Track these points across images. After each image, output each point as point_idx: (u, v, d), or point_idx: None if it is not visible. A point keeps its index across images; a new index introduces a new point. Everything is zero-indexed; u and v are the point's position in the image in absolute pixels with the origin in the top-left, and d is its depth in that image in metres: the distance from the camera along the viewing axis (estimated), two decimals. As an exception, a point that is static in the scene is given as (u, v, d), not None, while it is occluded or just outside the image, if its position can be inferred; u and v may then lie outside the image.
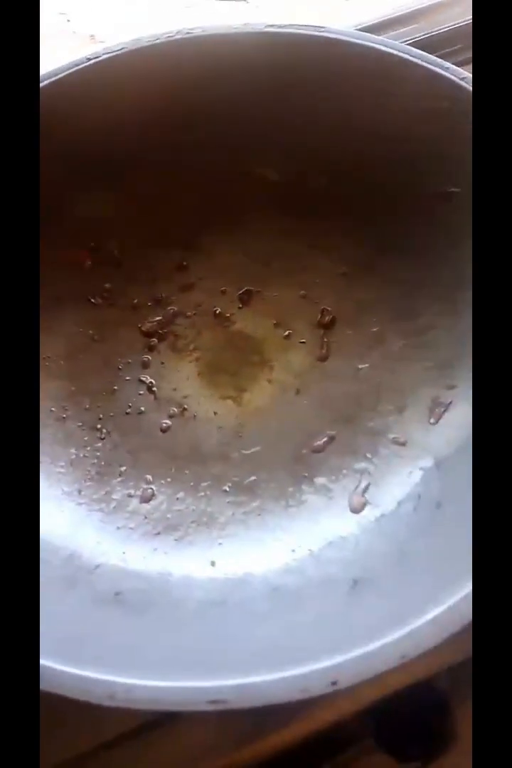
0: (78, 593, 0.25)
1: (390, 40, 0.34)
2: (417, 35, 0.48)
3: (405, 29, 0.49)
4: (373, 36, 0.35)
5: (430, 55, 0.33)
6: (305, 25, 0.34)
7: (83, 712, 0.24)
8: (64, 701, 0.19)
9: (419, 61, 0.33)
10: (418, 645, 0.19)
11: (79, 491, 0.30)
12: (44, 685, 0.20)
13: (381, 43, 0.34)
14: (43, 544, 0.26)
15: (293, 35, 0.34)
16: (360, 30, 0.47)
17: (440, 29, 0.48)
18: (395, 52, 0.33)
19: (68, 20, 1.23)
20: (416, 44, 0.46)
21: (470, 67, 0.45)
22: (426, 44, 0.46)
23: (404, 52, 0.34)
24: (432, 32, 0.48)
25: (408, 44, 0.45)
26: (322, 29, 0.34)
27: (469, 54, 0.46)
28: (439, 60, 0.33)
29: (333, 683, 0.19)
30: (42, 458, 0.30)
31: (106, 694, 0.19)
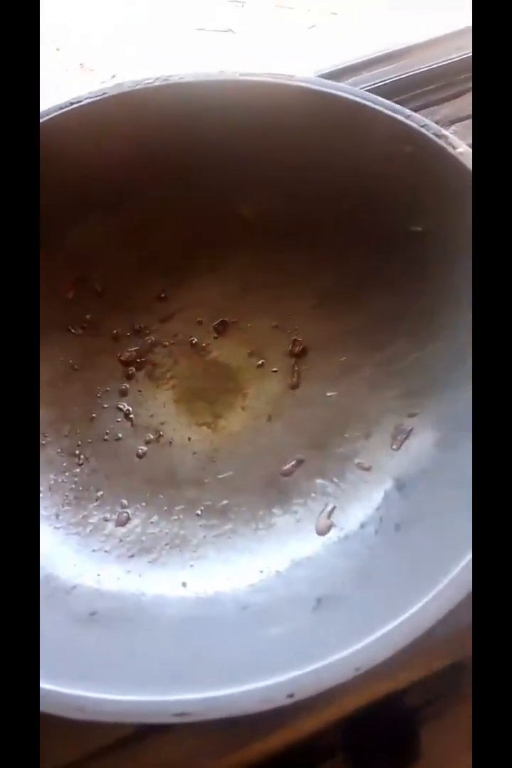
0: (54, 613, 0.26)
1: (357, 89, 0.36)
2: (393, 76, 0.50)
3: (380, 69, 0.51)
4: (341, 85, 0.37)
5: (393, 103, 0.35)
6: (276, 74, 0.37)
7: (69, 724, 0.25)
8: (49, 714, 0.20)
9: (383, 109, 0.35)
10: (371, 659, 0.21)
11: (57, 515, 0.31)
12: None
13: (348, 91, 0.36)
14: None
15: (265, 84, 0.36)
16: (340, 70, 0.50)
17: (413, 70, 0.50)
18: (362, 101, 0.36)
19: (58, 49, 1.27)
20: (386, 86, 0.49)
21: (437, 107, 0.48)
22: (402, 84, 0.49)
23: (370, 101, 0.36)
24: (406, 73, 0.50)
25: (379, 86, 0.48)
26: (293, 78, 0.37)
27: (442, 93, 0.49)
28: (401, 108, 0.35)
29: (290, 696, 0.21)
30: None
31: (76, 708, 0.20)
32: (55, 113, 0.36)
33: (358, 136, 0.36)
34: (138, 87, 0.36)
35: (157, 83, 0.36)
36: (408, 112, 0.35)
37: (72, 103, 0.37)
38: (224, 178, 0.38)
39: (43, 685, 0.21)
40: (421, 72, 0.50)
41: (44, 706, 0.21)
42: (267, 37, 1.28)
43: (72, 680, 0.21)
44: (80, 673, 0.22)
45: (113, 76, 1.28)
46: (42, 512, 0.31)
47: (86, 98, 0.36)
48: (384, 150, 0.35)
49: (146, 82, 0.36)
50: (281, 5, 1.36)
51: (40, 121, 0.36)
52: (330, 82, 0.37)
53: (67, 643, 0.25)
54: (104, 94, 0.36)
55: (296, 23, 1.33)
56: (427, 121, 0.34)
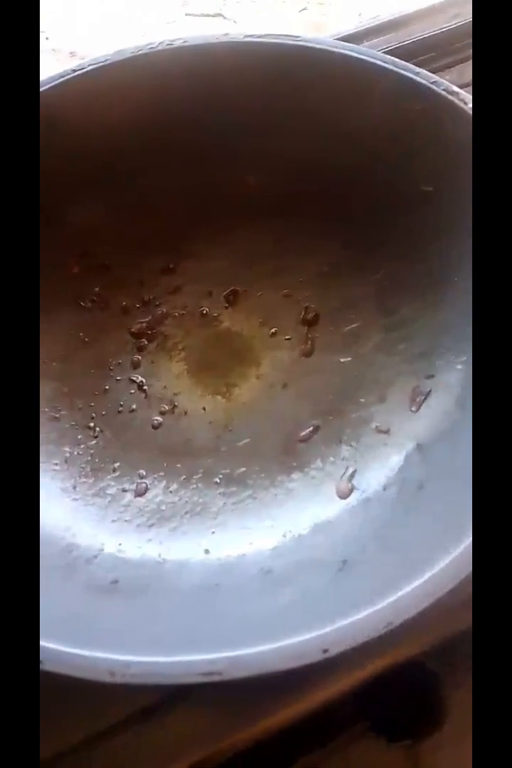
0: (76, 581, 0.26)
1: (364, 48, 0.36)
2: (391, 45, 0.49)
3: (378, 39, 0.51)
4: (347, 44, 0.36)
5: (402, 61, 0.35)
6: (282, 35, 0.36)
7: (76, 703, 0.25)
8: (58, 692, 0.20)
9: (392, 67, 0.34)
10: (401, 613, 0.21)
11: (75, 487, 0.31)
12: (47, 666, 0.20)
13: (355, 50, 0.35)
14: (42, 535, 0.27)
15: (271, 45, 0.35)
16: (338, 39, 0.49)
17: (411, 39, 0.49)
18: (369, 59, 0.35)
19: (47, 38, 1.25)
20: (390, 53, 0.48)
21: (444, 73, 0.47)
22: (400, 54, 0.48)
23: (378, 59, 0.35)
24: (404, 42, 0.49)
25: (388, 51, 0.47)
26: (298, 38, 0.36)
27: (443, 61, 0.48)
28: (411, 65, 0.35)
29: (325, 651, 0.20)
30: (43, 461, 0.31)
31: (106, 671, 0.20)
32: (57, 81, 0.35)
33: (367, 95, 0.35)
34: (140, 52, 0.36)
35: (160, 48, 0.35)
36: (416, 69, 0.34)
37: (74, 71, 0.36)
38: (228, 146, 0.38)
39: (69, 648, 0.21)
40: (420, 39, 0.49)
41: (72, 670, 0.21)
42: (258, 21, 1.27)
43: (98, 646, 0.21)
44: (106, 640, 0.22)
45: (72, 53, 1.26)
46: (59, 484, 0.31)
47: (88, 65, 0.35)
48: (393, 109, 0.35)
49: (149, 46, 0.35)
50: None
51: (41, 90, 0.35)
52: (337, 41, 0.36)
53: (89, 611, 0.25)
54: (106, 60, 0.36)
55: (286, 5, 1.31)
56: (437, 78, 0.34)
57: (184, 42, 0.36)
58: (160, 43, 0.36)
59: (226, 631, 0.22)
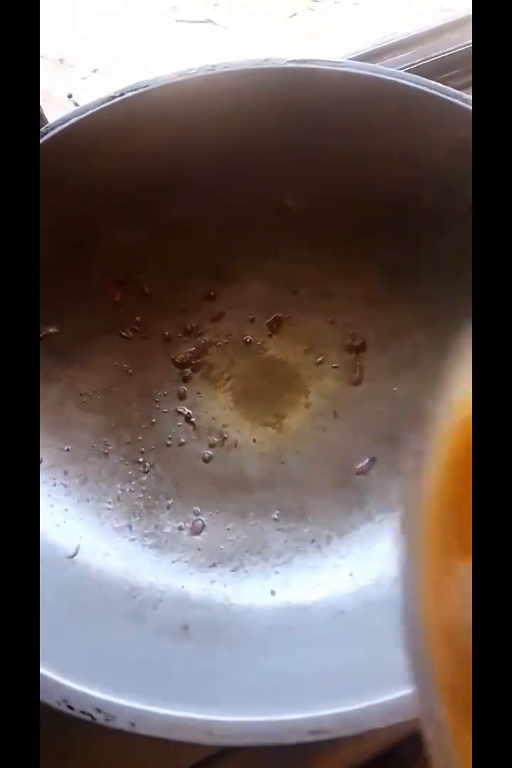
0: (146, 628, 0.25)
1: (403, 72, 0.35)
2: (416, 61, 0.49)
3: (401, 55, 0.51)
4: (389, 69, 0.36)
5: (446, 87, 0.35)
6: (323, 61, 0.35)
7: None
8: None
9: (436, 92, 0.34)
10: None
11: (130, 527, 0.30)
12: (140, 729, 0.20)
13: (397, 75, 0.35)
14: (105, 578, 0.26)
15: (313, 71, 0.35)
16: (354, 58, 0.49)
17: (437, 55, 0.49)
18: (411, 84, 0.35)
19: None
20: (414, 70, 0.48)
21: (469, 90, 0.47)
22: (425, 70, 0.48)
23: (420, 84, 0.35)
24: (428, 58, 0.49)
25: (406, 71, 0.47)
26: (339, 64, 0.36)
27: (466, 79, 0.48)
28: (452, 89, 0.34)
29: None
30: (89, 494, 0.30)
31: (203, 731, 0.19)
32: (97, 108, 0.34)
33: (407, 120, 0.35)
34: (180, 78, 0.35)
35: (200, 74, 0.35)
36: (459, 92, 0.34)
37: (112, 98, 0.35)
38: (267, 170, 0.37)
39: (163, 710, 0.20)
40: (444, 56, 0.49)
41: (166, 733, 0.20)
42: (248, 27, 1.27)
43: (188, 701, 0.20)
44: (191, 693, 0.21)
45: (95, 71, 1.25)
46: (113, 524, 0.30)
47: (128, 91, 0.35)
48: (436, 134, 0.35)
49: (190, 71, 0.35)
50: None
51: (77, 118, 0.34)
52: (378, 66, 0.36)
53: (167, 661, 0.24)
54: (147, 86, 0.35)
55: (276, 12, 1.31)
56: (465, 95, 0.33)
57: (225, 68, 0.35)
58: (199, 69, 0.35)
59: (318, 683, 0.22)
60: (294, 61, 0.35)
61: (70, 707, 0.20)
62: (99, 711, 0.20)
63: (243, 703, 0.21)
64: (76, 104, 1.20)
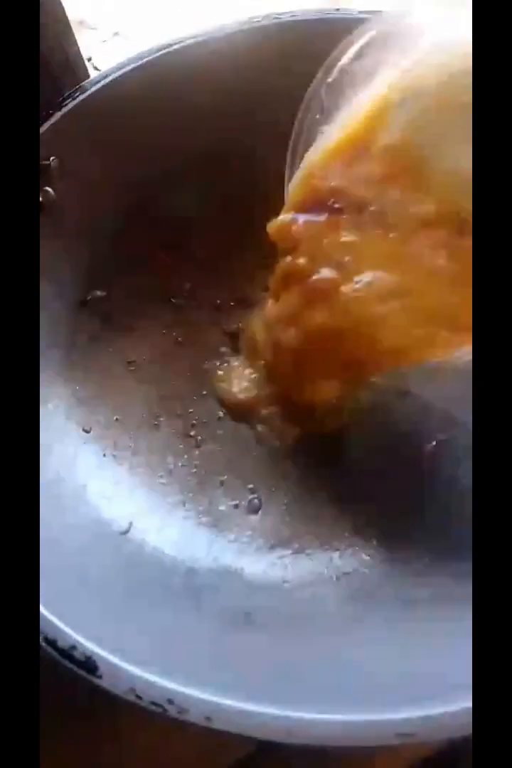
0: (208, 614, 0.24)
1: None
2: None
3: None
4: None
5: None
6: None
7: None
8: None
9: None
10: None
11: (183, 503, 0.28)
12: (217, 724, 0.18)
13: None
14: (161, 557, 0.25)
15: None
16: None
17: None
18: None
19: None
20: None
21: None
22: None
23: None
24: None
25: None
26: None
27: None
28: None
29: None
30: (140, 468, 0.29)
31: (284, 731, 0.18)
32: (146, 59, 0.32)
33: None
34: (242, 28, 0.32)
35: (264, 22, 0.32)
36: None
37: (161, 49, 0.33)
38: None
39: (242, 705, 0.19)
40: None
41: (246, 729, 0.18)
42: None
43: (263, 696, 0.19)
44: (264, 687, 0.20)
45: (116, 34, 1.22)
46: (168, 499, 0.28)
47: (174, 43, 0.32)
48: None
49: (255, 19, 0.32)
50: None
51: (133, 65, 0.32)
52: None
53: (231, 651, 0.22)
54: (196, 37, 0.32)
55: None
56: None
57: (293, 15, 0.33)
58: (264, 17, 0.33)
59: (399, 680, 0.20)
60: (364, 12, 0.33)
61: (139, 697, 0.19)
62: (171, 702, 0.19)
63: (320, 699, 0.19)
64: (96, 68, 1.16)
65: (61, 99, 0.31)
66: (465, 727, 0.18)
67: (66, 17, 0.33)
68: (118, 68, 0.31)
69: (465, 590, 0.23)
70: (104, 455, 0.29)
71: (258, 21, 0.33)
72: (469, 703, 0.18)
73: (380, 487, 0.28)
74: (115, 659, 0.20)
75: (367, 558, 0.27)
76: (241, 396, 0.30)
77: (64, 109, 0.30)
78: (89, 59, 1.29)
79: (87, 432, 0.29)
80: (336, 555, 0.27)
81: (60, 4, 0.32)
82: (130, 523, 0.27)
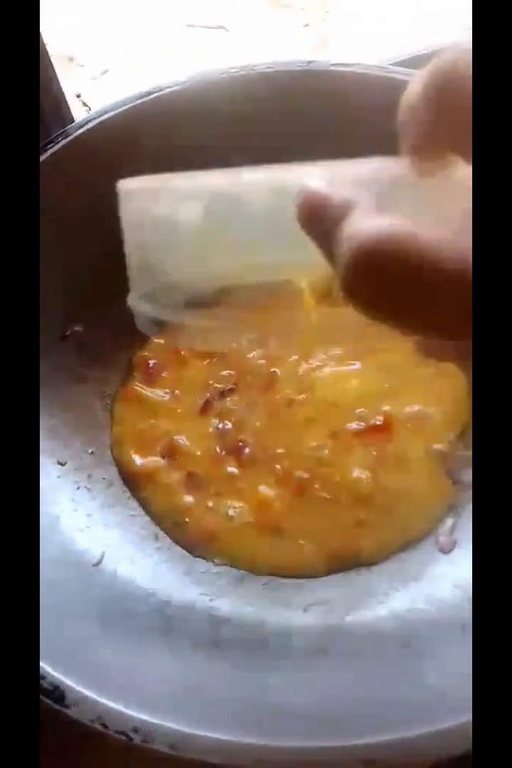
0: (178, 644, 0.24)
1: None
2: None
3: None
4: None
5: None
6: (368, 65, 0.35)
7: None
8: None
9: None
10: None
11: (156, 536, 0.29)
12: (182, 752, 0.19)
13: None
14: (133, 589, 0.25)
15: (358, 74, 0.34)
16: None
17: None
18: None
19: (46, 43, 1.24)
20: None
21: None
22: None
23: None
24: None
25: None
26: (386, 69, 0.35)
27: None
28: None
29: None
30: (113, 500, 0.29)
31: (249, 758, 0.18)
32: (124, 107, 0.33)
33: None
34: (224, 75, 0.34)
35: (242, 72, 0.34)
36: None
37: (140, 97, 0.34)
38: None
39: (204, 733, 0.19)
40: None
41: (212, 757, 0.19)
42: (260, 35, 1.27)
43: (231, 726, 0.19)
44: (236, 715, 0.20)
45: (104, 72, 1.25)
46: (139, 531, 0.29)
47: (154, 91, 0.34)
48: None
49: (234, 70, 0.34)
50: (275, 2, 1.35)
51: (107, 115, 0.33)
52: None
53: (200, 679, 0.23)
54: (171, 86, 0.34)
55: (289, 21, 1.32)
56: None
57: (268, 67, 0.34)
58: (241, 68, 0.34)
59: (364, 708, 0.21)
60: (337, 64, 0.35)
61: (105, 726, 0.19)
62: (136, 731, 0.19)
63: (287, 727, 0.20)
64: (85, 104, 1.20)
65: (45, 143, 0.32)
66: (431, 750, 0.18)
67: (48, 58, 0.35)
68: (99, 114, 0.33)
69: (427, 618, 0.24)
70: (78, 488, 0.29)
71: (235, 71, 0.35)
72: (429, 728, 0.19)
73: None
74: (82, 689, 0.20)
75: (335, 590, 0.27)
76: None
77: (48, 152, 0.31)
78: (78, 95, 1.32)
79: (62, 465, 0.30)
80: (304, 587, 0.27)
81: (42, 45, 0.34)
82: (103, 554, 0.27)
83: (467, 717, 0.19)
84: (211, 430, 0.31)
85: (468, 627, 0.23)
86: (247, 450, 0.31)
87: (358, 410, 0.31)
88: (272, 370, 0.33)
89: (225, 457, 0.30)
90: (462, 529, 0.28)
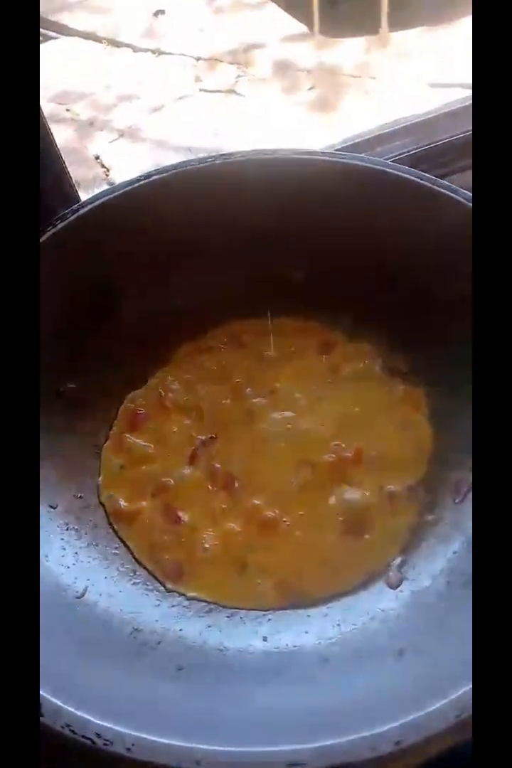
0: (145, 667, 0.27)
1: (406, 168, 0.39)
2: (408, 150, 0.52)
3: (395, 144, 0.54)
4: (404, 167, 0.39)
5: (434, 178, 0.38)
6: (324, 152, 0.40)
7: None
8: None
9: (424, 182, 0.37)
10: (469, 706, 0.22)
11: (134, 571, 0.32)
12: (135, 754, 0.22)
13: (408, 171, 0.38)
14: (110, 618, 0.29)
15: (314, 161, 0.39)
16: (348, 147, 0.52)
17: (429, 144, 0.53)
18: (406, 176, 0.38)
19: (67, 109, 1.33)
20: (415, 156, 0.51)
21: (456, 176, 0.50)
22: (428, 155, 0.52)
23: (414, 176, 0.38)
24: (419, 147, 0.53)
25: (401, 157, 0.50)
26: (343, 155, 0.40)
27: (454, 166, 0.51)
28: (439, 180, 0.37)
29: (397, 743, 0.22)
30: (98, 539, 0.33)
31: (191, 760, 0.21)
32: (121, 191, 0.38)
33: (404, 207, 0.38)
34: (203, 164, 0.39)
35: (218, 162, 0.39)
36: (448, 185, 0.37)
37: (133, 182, 0.39)
38: (276, 246, 0.40)
39: (157, 737, 0.22)
40: (437, 145, 0.53)
41: (160, 758, 0.21)
42: (268, 98, 1.35)
43: (180, 732, 0.22)
44: (185, 726, 0.23)
45: (121, 135, 1.34)
46: (119, 567, 0.32)
47: (154, 174, 0.39)
48: (422, 217, 0.38)
49: (211, 158, 0.39)
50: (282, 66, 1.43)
51: (104, 199, 0.38)
52: (381, 161, 0.39)
53: (163, 697, 0.26)
54: (177, 168, 0.39)
55: (295, 86, 1.40)
56: (458, 189, 0.36)
57: (242, 157, 0.39)
58: (217, 157, 0.39)
59: (300, 721, 0.23)
60: (298, 152, 0.39)
61: (73, 731, 0.22)
62: (98, 736, 0.22)
63: (230, 736, 0.23)
64: (103, 165, 1.28)
65: (45, 225, 0.37)
66: (342, 756, 0.21)
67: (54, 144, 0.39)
68: (94, 200, 0.37)
69: (372, 643, 0.27)
70: (67, 528, 0.33)
71: (211, 160, 0.40)
72: (356, 735, 0.22)
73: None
74: (56, 701, 0.23)
75: (293, 620, 0.30)
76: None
77: (47, 234, 0.36)
78: (97, 157, 1.40)
79: (53, 508, 0.34)
80: (265, 619, 0.30)
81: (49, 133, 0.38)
82: (85, 588, 0.30)
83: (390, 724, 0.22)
84: (199, 473, 0.35)
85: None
86: (236, 484, 0.34)
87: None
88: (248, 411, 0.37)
89: (215, 493, 0.34)
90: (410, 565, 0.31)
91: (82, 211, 0.37)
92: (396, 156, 0.51)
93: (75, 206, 0.38)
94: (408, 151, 0.52)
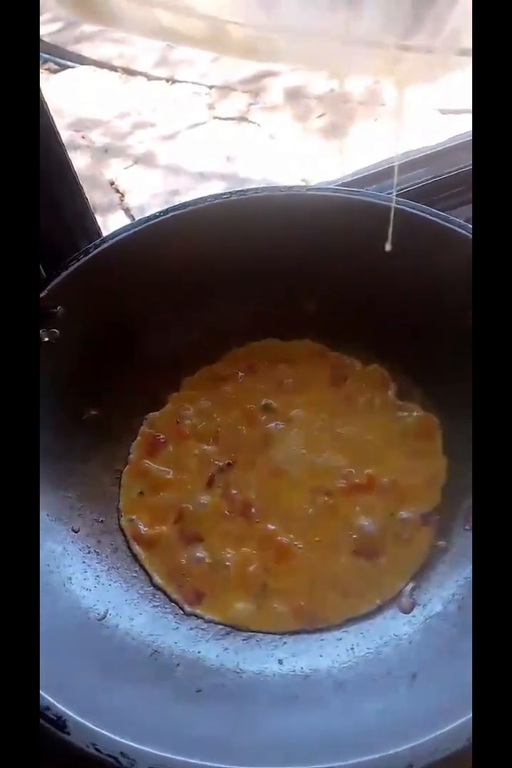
0: (166, 689, 0.28)
1: (417, 204, 0.40)
2: (417, 182, 0.54)
3: (403, 177, 0.55)
4: (408, 201, 0.40)
5: (439, 212, 0.39)
6: (337, 188, 0.41)
7: None
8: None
9: (432, 218, 0.39)
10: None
11: (154, 594, 0.33)
12: (158, 771, 0.22)
13: (409, 205, 0.39)
14: (131, 641, 0.30)
15: (326, 197, 0.40)
16: (358, 179, 0.53)
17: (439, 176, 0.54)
18: (417, 213, 0.39)
19: (83, 136, 1.36)
20: (415, 190, 0.52)
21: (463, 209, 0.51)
22: (437, 186, 0.53)
23: (425, 213, 0.40)
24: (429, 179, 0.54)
25: (402, 191, 0.51)
26: (355, 191, 0.41)
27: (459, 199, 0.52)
28: (448, 216, 0.39)
29: (409, 766, 0.22)
30: (119, 562, 0.34)
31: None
32: (137, 229, 0.40)
33: (407, 240, 0.39)
34: (218, 201, 0.40)
35: (233, 198, 0.40)
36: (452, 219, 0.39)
37: (148, 220, 0.40)
38: (289, 279, 0.42)
39: (176, 756, 0.23)
40: (444, 178, 0.54)
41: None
42: (280, 126, 1.38)
43: (200, 753, 0.23)
44: (205, 747, 0.24)
45: (136, 162, 1.38)
46: (139, 590, 0.33)
47: (171, 210, 0.40)
48: (434, 252, 0.39)
49: (225, 195, 0.40)
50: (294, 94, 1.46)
51: (121, 236, 0.40)
52: (386, 195, 0.41)
53: (183, 719, 0.27)
54: (203, 202, 0.40)
55: (306, 111, 1.43)
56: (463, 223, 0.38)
57: (256, 192, 0.41)
58: (233, 193, 0.41)
59: (316, 744, 0.24)
60: (312, 188, 0.41)
61: (98, 750, 0.23)
62: (123, 755, 0.23)
63: (246, 757, 0.24)
64: (118, 191, 1.31)
65: (68, 259, 0.38)
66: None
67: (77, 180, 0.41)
68: (114, 235, 0.39)
69: (385, 667, 0.27)
70: (89, 552, 0.34)
71: (227, 196, 0.41)
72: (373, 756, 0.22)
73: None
74: (81, 720, 0.24)
75: (309, 644, 0.31)
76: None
77: (70, 269, 0.38)
78: (112, 183, 1.43)
79: (75, 532, 0.35)
80: (281, 642, 0.31)
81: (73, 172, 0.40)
82: (107, 611, 0.32)
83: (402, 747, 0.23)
84: (216, 498, 0.36)
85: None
86: (253, 510, 0.35)
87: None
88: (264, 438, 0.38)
89: (233, 518, 0.35)
90: (422, 591, 0.32)
91: (103, 246, 0.39)
92: (407, 188, 0.52)
93: (97, 241, 0.39)
94: (420, 182, 0.54)
